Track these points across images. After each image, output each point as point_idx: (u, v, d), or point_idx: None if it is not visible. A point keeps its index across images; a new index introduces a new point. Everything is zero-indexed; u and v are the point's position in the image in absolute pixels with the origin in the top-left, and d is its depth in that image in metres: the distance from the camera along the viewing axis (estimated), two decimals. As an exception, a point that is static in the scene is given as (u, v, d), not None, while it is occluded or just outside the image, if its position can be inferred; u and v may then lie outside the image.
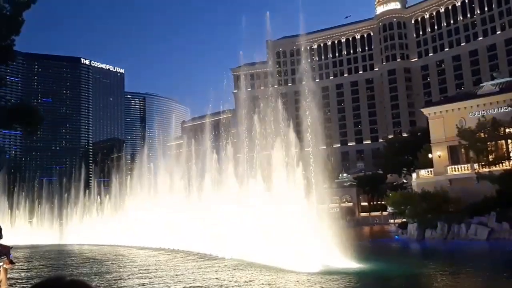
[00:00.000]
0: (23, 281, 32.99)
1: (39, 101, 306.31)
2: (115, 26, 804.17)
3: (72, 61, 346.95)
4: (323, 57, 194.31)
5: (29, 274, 37.67)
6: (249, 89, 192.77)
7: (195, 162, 73.24)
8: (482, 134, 57.81)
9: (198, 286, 27.27)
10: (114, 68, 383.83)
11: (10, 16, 29.61)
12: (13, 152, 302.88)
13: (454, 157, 65.13)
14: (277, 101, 54.21)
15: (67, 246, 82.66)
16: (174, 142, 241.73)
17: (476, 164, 59.36)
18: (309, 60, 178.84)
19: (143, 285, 28.49)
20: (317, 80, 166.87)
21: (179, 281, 29.40)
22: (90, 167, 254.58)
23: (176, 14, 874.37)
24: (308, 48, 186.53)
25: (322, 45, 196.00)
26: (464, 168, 61.91)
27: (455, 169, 62.80)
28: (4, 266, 22.16)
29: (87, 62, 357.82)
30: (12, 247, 25.49)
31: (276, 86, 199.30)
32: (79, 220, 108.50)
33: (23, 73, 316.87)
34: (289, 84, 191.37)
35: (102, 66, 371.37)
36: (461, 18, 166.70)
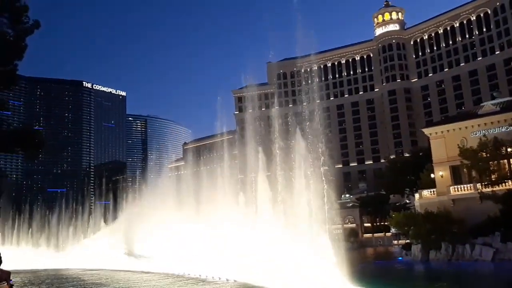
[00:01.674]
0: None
1: (41, 124, 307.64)
2: (117, 49, 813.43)
3: (74, 85, 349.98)
4: (323, 78, 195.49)
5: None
6: (250, 111, 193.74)
7: (201, 184, 73.03)
8: (484, 153, 57.63)
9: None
10: (115, 91, 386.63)
11: (13, 41, 29.93)
12: (14, 176, 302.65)
13: (457, 177, 64.78)
14: (279, 122, 54.28)
15: (68, 270, 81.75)
16: (176, 163, 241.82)
17: (479, 184, 59.03)
18: (309, 81, 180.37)
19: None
20: (318, 101, 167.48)
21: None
22: (91, 190, 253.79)
23: (178, 37, 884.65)
24: (308, 69, 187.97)
25: (322, 66, 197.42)
26: (467, 188, 61.50)
27: (458, 189, 62.41)
28: (4, 292, 21.88)
29: (89, 85, 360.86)
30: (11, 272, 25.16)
31: (277, 107, 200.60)
32: (80, 243, 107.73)
33: (25, 97, 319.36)
34: (290, 105, 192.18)
35: (104, 89, 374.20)
36: (460, 39, 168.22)
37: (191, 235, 60.93)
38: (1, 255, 23.96)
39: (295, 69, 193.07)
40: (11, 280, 26.04)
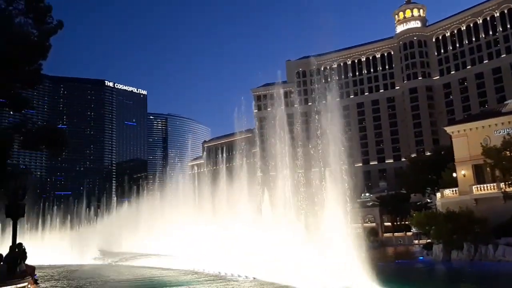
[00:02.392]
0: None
1: (64, 122, 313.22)
2: (138, 48, 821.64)
3: (96, 84, 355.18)
4: (343, 76, 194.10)
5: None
6: (269, 109, 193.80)
7: (219, 183, 73.56)
8: (507, 152, 56.55)
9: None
10: (137, 90, 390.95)
11: (38, 42, 30.54)
12: (38, 173, 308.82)
13: (480, 176, 63.74)
14: (298, 121, 54.30)
15: (89, 265, 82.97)
16: (195, 162, 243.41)
17: (503, 183, 57.95)
18: (329, 79, 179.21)
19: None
20: (338, 99, 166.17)
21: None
22: (114, 187, 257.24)
23: (198, 36, 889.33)
24: (328, 67, 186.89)
25: (342, 64, 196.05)
26: (490, 187, 60.44)
27: (480, 188, 61.38)
28: (29, 286, 22.44)
29: (111, 84, 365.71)
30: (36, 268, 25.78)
31: (296, 105, 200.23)
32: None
33: (49, 96, 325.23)
34: (309, 104, 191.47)
35: (125, 88, 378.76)
36: (483, 36, 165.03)
37: (208, 234, 61.40)
38: (26, 251, 24.59)
39: (314, 67, 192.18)
40: (35, 275, 26.63)
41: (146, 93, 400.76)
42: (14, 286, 20.10)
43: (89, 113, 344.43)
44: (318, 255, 36.22)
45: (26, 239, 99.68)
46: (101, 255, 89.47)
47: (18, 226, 25.43)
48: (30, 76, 31.17)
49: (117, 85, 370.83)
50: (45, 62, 31.68)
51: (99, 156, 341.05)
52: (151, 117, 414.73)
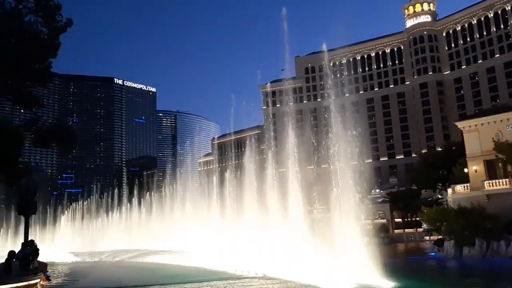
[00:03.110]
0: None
1: (74, 120, 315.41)
2: (147, 46, 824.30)
3: (105, 81, 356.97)
4: (352, 72, 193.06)
5: None
6: (278, 105, 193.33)
7: (231, 179, 73.71)
8: (520, 147, 55.93)
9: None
10: (146, 87, 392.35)
11: (47, 40, 30.64)
12: (49, 171, 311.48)
13: (491, 172, 63.06)
14: (308, 117, 54.21)
15: (104, 263, 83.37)
16: (205, 158, 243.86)
17: (515, 178, 57.35)
18: (338, 75, 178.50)
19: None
20: (347, 94, 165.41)
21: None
22: (124, 184, 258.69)
23: (207, 32, 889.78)
24: (337, 63, 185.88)
25: (351, 59, 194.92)
26: (502, 183, 59.76)
27: (492, 184, 60.73)
28: (41, 282, 22.60)
29: (120, 82, 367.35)
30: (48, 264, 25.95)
31: (306, 101, 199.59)
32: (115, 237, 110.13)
33: (59, 94, 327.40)
34: (318, 100, 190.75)
35: (135, 85, 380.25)
36: (495, 29, 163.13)
37: (217, 234, 61.61)
38: (38, 248, 24.75)
39: (323, 62, 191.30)
40: (47, 271, 26.80)
41: (155, 90, 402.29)
42: (27, 282, 20.24)
43: (98, 110, 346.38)
44: (329, 253, 36.10)
45: (37, 237, 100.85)
46: (111, 253, 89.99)
47: (30, 223, 25.60)
48: (40, 74, 31.32)
49: (126, 83, 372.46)
50: (55, 60, 31.83)
51: (109, 153, 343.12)
52: (160, 114, 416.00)
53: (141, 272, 54.13)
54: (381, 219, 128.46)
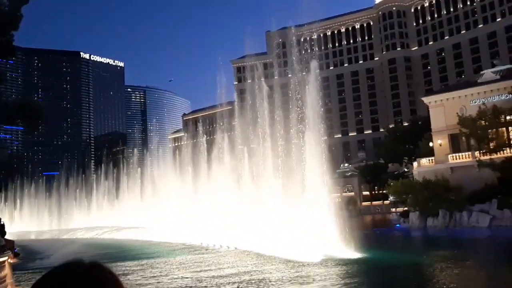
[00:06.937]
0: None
1: (39, 95, 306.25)
2: (114, 19, 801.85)
3: (71, 55, 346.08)
4: (323, 47, 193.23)
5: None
6: (249, 81, 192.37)
7: (200, 156, 73.68)
8: (483, 122, 57.73)
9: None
10: (114, 62, 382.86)
11: (9, 12, 29.58)
12: (14, 148, 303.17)
13: (455, 145, 65.14)
14: (278, 92, 54.37)
15: (74, 239, 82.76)
16: (175, 135, 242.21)
17: (477, 152, 59.38)
18: (308, 51, 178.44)
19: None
20: (317, 70, 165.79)
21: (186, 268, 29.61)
22: (92, 160, 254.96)
23: (176, 7, 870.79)
24: (308, 38, 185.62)
25: (321, 35, 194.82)
26: (465, 156, 61.92)
27: (456, 157, 62.83)
28: (9, 260, 22.41)
29: (86, 56, 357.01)
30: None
31: (276, 77, 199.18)
32: (85, 214, 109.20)
33: (23, 68, 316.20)
34: (289, 75, 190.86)
35: (102, 60, 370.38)
36: (461, 6, 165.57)
37: (189, 208, 61.96)
38: (5, 227, 24.41)
39: (294, 38, 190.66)
40: (15, 249, 26.53)
41: (123, 65, 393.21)
42: (-6, 260, 20.02)
43: (64, 85, 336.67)
44: (298, 225, 36.85)
45: (6, 215, 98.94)
46: (84, 229, 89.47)
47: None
48: (2, 48, 30.28)
49: (93, 57, 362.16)
50: (18, 33, 30.77)
51: (76, 130, 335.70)
52: (129, 89, 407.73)
53: (111, 247, 54.11)
54: (349, 192, 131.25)
